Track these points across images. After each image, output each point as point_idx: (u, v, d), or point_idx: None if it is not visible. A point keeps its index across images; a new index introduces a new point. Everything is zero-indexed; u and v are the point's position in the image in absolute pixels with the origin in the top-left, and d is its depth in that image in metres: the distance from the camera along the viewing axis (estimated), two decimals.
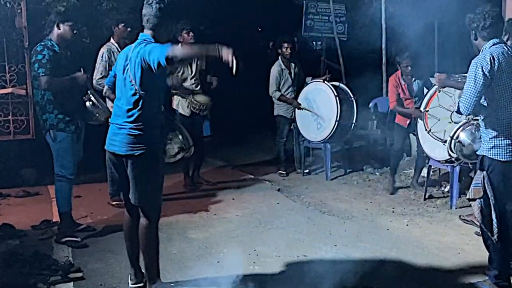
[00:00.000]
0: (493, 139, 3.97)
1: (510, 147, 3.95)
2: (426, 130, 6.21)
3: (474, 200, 4.05)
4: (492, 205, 3.97)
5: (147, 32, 3.96)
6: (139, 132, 3.91)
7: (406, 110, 6.82)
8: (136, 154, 3.90)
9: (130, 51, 3.93)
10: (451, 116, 5.72)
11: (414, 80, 6.93)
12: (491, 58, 3.88)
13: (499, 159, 3.96)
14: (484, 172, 4.02)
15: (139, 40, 3.94)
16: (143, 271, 4.22)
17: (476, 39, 4.06)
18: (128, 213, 4.18)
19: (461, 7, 8.76)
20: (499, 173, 3.98)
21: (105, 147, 4.07)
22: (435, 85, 6.37)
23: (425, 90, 6.83)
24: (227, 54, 3.56)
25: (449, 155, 5.70)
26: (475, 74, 3.87)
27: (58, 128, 5.19)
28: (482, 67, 3.85)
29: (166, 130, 4.32)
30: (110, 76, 4.22)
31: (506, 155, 3.95)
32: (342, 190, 7.35)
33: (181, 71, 7.03)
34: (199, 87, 7.18)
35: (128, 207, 4.17)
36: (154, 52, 3.70)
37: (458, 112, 4.05)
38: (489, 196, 3.97)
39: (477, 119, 4.25)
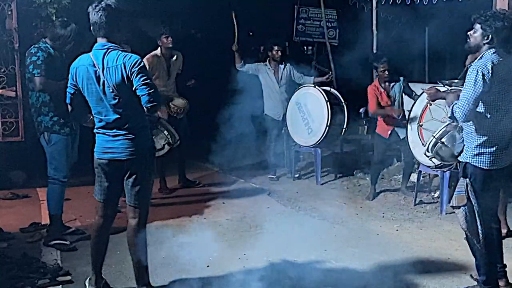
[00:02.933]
0: (478, 146, 3.94)
1: (493, 156, 3.92)
2: (423, 144, 6.22)
3: (458, 207, 4.05)
4: (476, 212, 3.96)
5: (102, 40, 3.93)
6: (135, 135, 3.97)
7: (384, 111, 6.85)
8: (137, 156, 3.97)
9: (97, 63, 3.86)
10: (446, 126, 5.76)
11: (393, 86, 6.94)
12: (492, 66, 3.80)
13: (482, 167, 3.94)
14: (467, 179, 4.00)
15: (103, 50, 3.89)
16: (103, 277, 4.26)
17: (489, 42, 3.90)
18: (103, 218, 4.17)
19: (451, 13, 8.85)
20: (482, 181, 3.96)
21: (97, 156, 4.06)
22: (419, 95, 6.47)
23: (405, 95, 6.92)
24: None
25: (425, 154, 5.70)
26: (475, 80, 3.78)
27: (53, 130, 5.18)
28: (483, 74, 3.77)
29: (151, 127, 4.33)
30: (68, 94, 4.10)
31: (489, 163, 3.94)
32: (332, 195, 7.35)
33: (156, 76, 7.02)
34: (175, 91, 7.22)
35: (107, 212, 4.18)
36: (144, 94, 3.80)
37: (453, 117, 3.98)
38: (473, 203, 3.96)
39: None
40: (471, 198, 3.96)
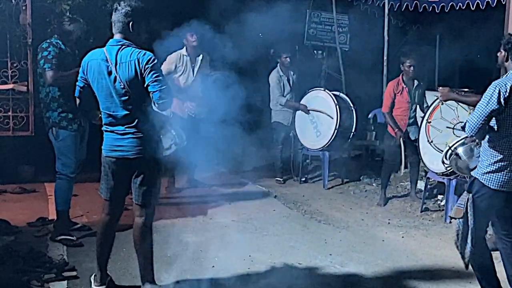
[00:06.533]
0: (491, 165, 3.83)
1: (504, 177, 3.82)
2: (428, 141, 6.21)
3: (455, 219, 3.99)
4: (470, 228, 3.88)
5: (118, 36, 3.97)
6: (144, 133, 3.98)
7: (392, 122, 6.83)
8: (146, 155, 3.99)
9: (109, 59, 3.88)
10: (453, 129, 5.75)
11: (417, 86, 6.94)
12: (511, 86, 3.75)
13: (490, 186, 3.84)
14: (470, 194, 3.91)
15: (117, 46, 3.92)
16: (108, 273, 4.28)
17: (506, 61, 3.96)
18: (109, 216, 4.19)
19: (463, 22, 8.83)
20: (486, 200, 3.87)
21: (105, 154, 4.08)
22: (437, 98, 6.46)
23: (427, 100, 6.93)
24: None
25: (443, 162, 5.70)
26: (490, 97, 3.72)
27: (61, 126, 5.21)
28: (499, 92, 3.72)
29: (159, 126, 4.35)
30: (77, 87, 4.13)
31: (498, 184, 3.83)
32: (339, 200, 7.37)
33: (182, 75, 7.06)
34: (199, 91, 7.23)
35: (113, 209, 4.20)
36: (156, 90, 3.84)
37: (463, 129, 3.93)
38: (469, 219, 3.88)
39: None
40: (469, 214, 3.87)
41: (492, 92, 3.74)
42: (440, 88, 4.83)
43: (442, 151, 5.92)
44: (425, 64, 10.84)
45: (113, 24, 3.99)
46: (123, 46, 3.92)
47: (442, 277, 4.78)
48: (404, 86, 6.86)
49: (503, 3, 7.25)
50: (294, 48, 9.96)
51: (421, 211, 6.67)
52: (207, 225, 5.99)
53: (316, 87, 8.32)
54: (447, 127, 5.97)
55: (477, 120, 3.77)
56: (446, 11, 8.56)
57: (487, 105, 3.74)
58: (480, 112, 3.76)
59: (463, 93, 5.35)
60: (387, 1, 8.81)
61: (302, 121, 8.03)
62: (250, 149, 8.10)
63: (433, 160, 6.33)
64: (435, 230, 6.07)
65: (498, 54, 4.12)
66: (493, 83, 3.83)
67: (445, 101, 5.05)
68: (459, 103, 5.69)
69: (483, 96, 3.82)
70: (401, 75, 6.94)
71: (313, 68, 10.04)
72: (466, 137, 4.57)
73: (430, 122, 6.32)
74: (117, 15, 3.94)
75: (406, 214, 6.71)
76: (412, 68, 6.81)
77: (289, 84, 8.10)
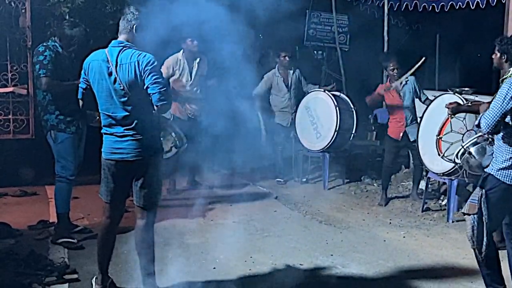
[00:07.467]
0: (506, 161, 3.89)
1: None
2: (439, 155, 6.19)
3: (468, 215, 4.04)
4: (484, 223, 3.94)
5: (121, 38, 4.00)
6: (143, 136, 3.98)
7: (372, 95, 7.12)
8: (145, 157, 3.99)
9: (110, 60, 3.90)
10: (462, 137, 5.77)
11: (404, 85, 6.91)
12: None
13: (506, 181, 3.90)
14: (484, 190, 3.97)
15: (119, 47, 3.94)
16: (109, 276, 4.27)
17: (506, 61, 4.07)
18: (110, 219, 4.19)
19: (461, 22, 8.83)
20: (501, 195, 3.93)
21: (105, 157, 4.08)
22: (431, 101, 6.47)
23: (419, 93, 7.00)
24: None
25: (454, 161, 5.69)
26: (506, 94, 3.79)
27: (59, 128, 5.21)
28: None
29: (159, 129, 4.35)
30: (80, 89, 4.16)
31: None
32: (340, 200, 7.36)
33: (179, 76, 7.06)
34: (197, 93, 7.24)
35: (113, 212, 4.19)
36: (155, 92, 3.86)
37: (478, 126, 3.98)
38: (483, 214, 3.94)
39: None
40: (483, 209, 3.94)
41: (508, 89, 3.81)
42: (447, 105, 4.96)
43: (454, 162, 5.88)
44: (424, 64, 10.84)
45: (119, 29, 4.02)
46: (124, 48, 3.93)
47: (444, 277, 4.77)
48: (392, 89, 6.94)
49: (503, 2, 7.26)
50: (294, 49, 9.95)
51: (422, 211, 6.67)
52: (208, 227, 5.99)
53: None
54: (457, 135, 5.99)
55: (493, 116, 3.83)
56: (446, 10, 8.56)
57: (503, 102, 3.80)
58: (496, 109, 3.82)
59: (469, 102, 5.40)
60: (387, 1, 8.82)
61: (303, 122, 8.01)
62: (250, 150, 8.10)
63: (433, 160, 6.32)
64: (437, 230, 6.07)
65: (493, 56, 4.18)
66: (507, 80, 3.90)
67: (455, 114, 5.14)
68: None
69: (497, 94, 3.88)
70: (387, 80, 7.02)
71: (313, 68, 10.04)
72: (479, 136, 4.60)
73: (441, 138, 6.27)
74: (124, 17, 3.99)
75: (407, 214, 6.71)
76: (395, 70, 6.87)
77: (286, 85, 8.05)
